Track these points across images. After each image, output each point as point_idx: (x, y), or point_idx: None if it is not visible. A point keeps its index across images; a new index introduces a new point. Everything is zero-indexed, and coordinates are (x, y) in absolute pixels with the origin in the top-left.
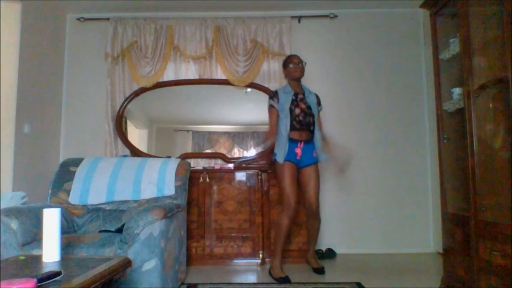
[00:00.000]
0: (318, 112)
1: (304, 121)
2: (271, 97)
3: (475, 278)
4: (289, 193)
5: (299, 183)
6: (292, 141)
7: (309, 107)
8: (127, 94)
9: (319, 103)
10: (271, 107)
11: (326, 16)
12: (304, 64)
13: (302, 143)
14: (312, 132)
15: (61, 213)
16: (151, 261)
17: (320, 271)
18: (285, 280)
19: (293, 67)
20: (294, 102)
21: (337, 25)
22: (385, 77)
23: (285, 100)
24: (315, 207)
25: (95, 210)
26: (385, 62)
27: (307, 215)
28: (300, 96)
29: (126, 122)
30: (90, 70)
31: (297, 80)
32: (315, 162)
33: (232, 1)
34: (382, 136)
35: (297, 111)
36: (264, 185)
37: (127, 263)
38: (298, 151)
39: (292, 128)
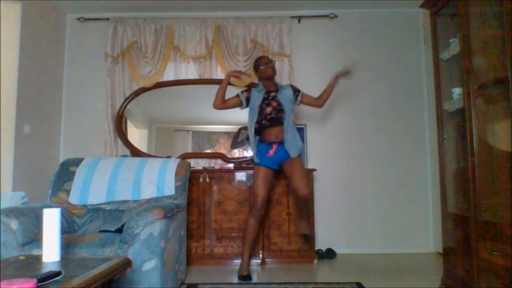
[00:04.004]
0: (301, 98)
1: (276, 117)
2: (244, 90)
3: (475, 278)
4: (257, 194)
5: (285, 178)
6: (267, 144)
7: (280, 104)
8: (127, 94)
9: (297, 91)
10: (237, 95)
11: (326, 16)
12: (273, 62)
13: (276, 144)
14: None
15: (61, 213)
16: (151, 261)
17: (306, 237)
18: (246, 278)
19: (264, 68)
20: (266, 101)
21: (337, 25)
22: (385, 77)
23: (256, 99)
24: (302, 193)
25: (95, 210)
26: (385, 62)
27: (295, 198)
28: (272, 94)
29: (126, 122)
30: (90, 70)
31: (270, 79)
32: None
33: (232, 1)
34: (382, 136)
35: (268, 109)
36: None
37: (127, 263)
38: (271, 151)
39: (265, 127)
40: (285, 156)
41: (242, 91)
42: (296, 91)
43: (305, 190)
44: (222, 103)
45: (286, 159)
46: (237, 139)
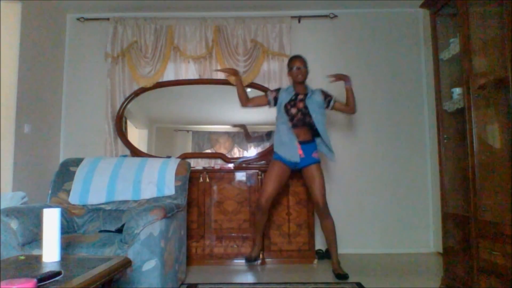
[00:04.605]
0: (333, 103)
1: (304, 121)
2: (273, 90)
3: (475, 278)
4: (264, 190)
5: (302, 182)
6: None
7: (306, 107)
8: (127, 94)
9: (329, 96)
10: (265, 94)
11: (326, 16)
12: (305, 69)
13: (299, 144)
14: (313, 131)
15: (61, 213)
16: (151, 261)
17: (342, 276)
18: (246, 259)
19: (295, 71)
20: (292, 102)
21: (337, 25)
22: (385, 77)
23: (284, 99)
24: (322, 205)
25: (95, 210)
26: (385, 62)
27: (318, 216)
28: (300, 96)
29: (126, 122)
30: (90, 70)
31: (299, 83)
32: (315, 161)
33: (232, 1)
34: (382, 136)
35: (293, 110)
36: None
37: (127, 263)
38: (301, 152)
39: (294, 126)
40: (307, 161)
41: (271, 91)
42: (327, 96)
43: (323, 201)
44: (247, 102)
45: (307, 165)
46: (249, 135)
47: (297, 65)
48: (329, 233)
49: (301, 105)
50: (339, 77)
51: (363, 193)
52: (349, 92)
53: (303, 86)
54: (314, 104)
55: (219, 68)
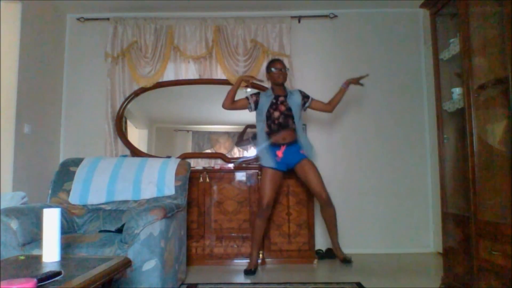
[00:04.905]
0: (310, 104)
1: (284, 123)
2: (253, 94)
3: (475, 278)
4: (263, 196)
5: (301, 181)
6: (274, 145)
7: (289, 109)
8: (127, 94)
9: (306, 97)
10: (246, 98)
11: (326, 16)
12: (287, 70)
13: (285, 146)
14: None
15: (61, 213)
16: (151, 261)
17: (346, 261)
18: (248, 272)
19: (275, 72)
20: (274, 106)
21: (337, 25)
22: (385, 77)
23: (265, 103)
24: (325, 196)
25: (95, 210)
26: (385, 62)
27: (320, 206)
28: (281, 98)
29: (126, 122)
30: (90, 70)
31: (279, 85)
32: (304, 157)
33: (232, 1)
34: (382, 136)
35: (276, 114)
36: None
37: (127, 263)
38: (279, 153)
39: (273, 131)
40: (295, 159)
41: (251, 94)
42: (305, 97)
43: (324, 191)
44: (231, 104)
45: (296, 162)
46: (243, 137)
47: (278, 67)
48: (330, 218)
49: (283, 108)
50: (356, 81)
51: (363, 193)
52: (342, 94)
53: (283, 88)
54: (295, 106)
55: (219, 68)
